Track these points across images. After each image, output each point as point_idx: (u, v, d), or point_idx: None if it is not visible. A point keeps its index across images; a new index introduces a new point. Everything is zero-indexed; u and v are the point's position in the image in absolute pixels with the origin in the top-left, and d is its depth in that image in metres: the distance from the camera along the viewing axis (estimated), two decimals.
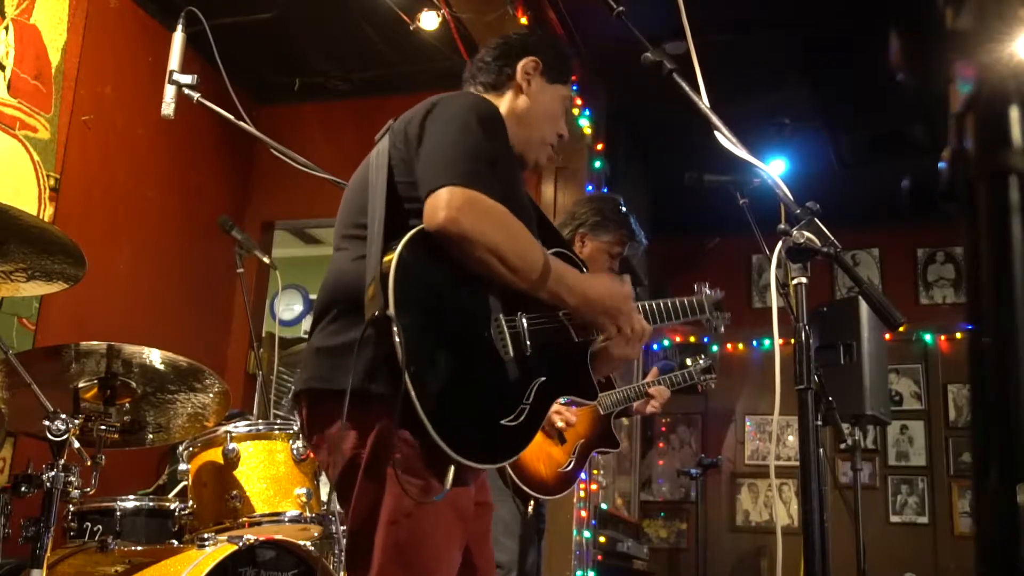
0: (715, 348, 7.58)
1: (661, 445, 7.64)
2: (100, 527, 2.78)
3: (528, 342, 1.84)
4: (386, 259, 1.71)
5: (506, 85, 2.10)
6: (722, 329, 2.51)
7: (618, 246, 3.13)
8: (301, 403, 1.89)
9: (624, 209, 3.21)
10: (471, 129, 1.81)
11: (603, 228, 3.11)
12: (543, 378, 1.85)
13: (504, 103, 2.08)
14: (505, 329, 1.82)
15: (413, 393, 1.62)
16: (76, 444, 2.40)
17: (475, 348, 1.78)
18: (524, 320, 1.85)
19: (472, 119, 1.83)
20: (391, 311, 1.64)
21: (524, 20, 4.61)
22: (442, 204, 1.70)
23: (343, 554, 2.93)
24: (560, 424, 3.09)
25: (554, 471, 3.09)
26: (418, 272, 1.72)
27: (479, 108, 1.87)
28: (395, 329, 1.63)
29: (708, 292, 2.50)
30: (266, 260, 4.11)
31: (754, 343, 7.48)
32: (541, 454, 3.07)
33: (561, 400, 2.87)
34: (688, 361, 3.59)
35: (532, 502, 3.03)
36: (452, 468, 1.68)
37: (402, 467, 1.66)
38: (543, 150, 2.14)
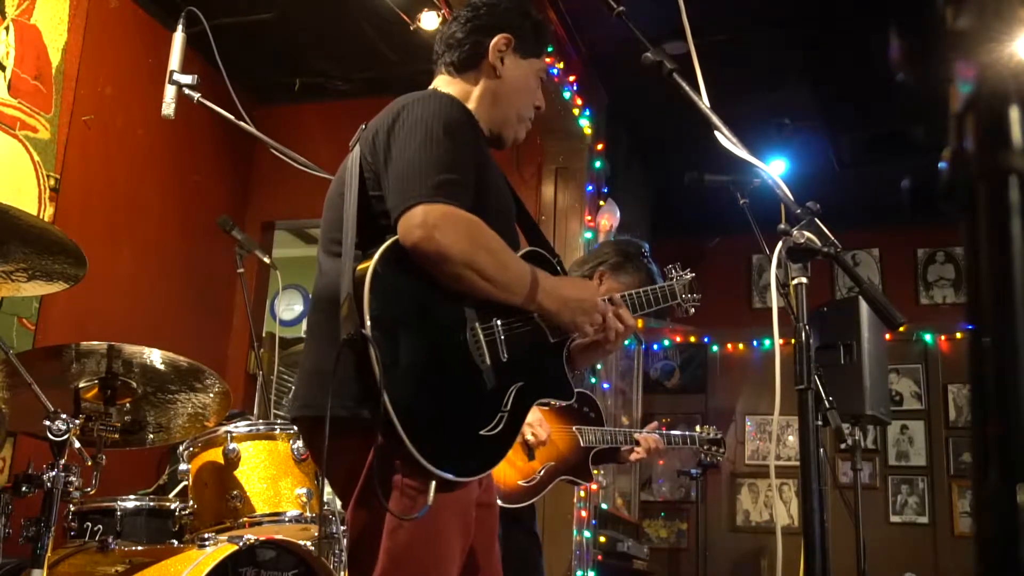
0: (715, 348, 7.58)
1: None
2: (100, 527, 2.78)
3: (504, 348, 1.82)
4: (358, 275, 1.70)
5: (477, 65, 2.03)
6: (692, 311, 2.46)
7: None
8: (300, 426, 1.91)
9: (647, 255, 3.22)
10: (437, 139, 1.77)
11: (623, 270, 3.13)
12: (520, 383, 1.84)
13: (476, 84, 2.03)
14: (481, 337, 1.80)
15: (392, 412, 1.61)
16: (76, 444, 2.40)
17: (452, 360, 1.77)
18: (499, 326, 1.83)
19: (437, 127, 1.79)
20: (366, 330, 1.64)
21: None
22: (416, 222, 1.68)
23: (343, 554, 2.93)
24: (529, 438, 3.06)
25: (515, 481, 3.06)
26: (391, 287, 1.71)
27: (444, 113, 1.83)
28: (371, 348, 1.62)
29: (678, 275, 2.45)
30: (266, 260, 4.10)
31: (754, 343, 7.48)
32: (506, 461, 3.06)
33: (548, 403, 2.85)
34: (698, 428, 3.60)
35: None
36: (433, 484, 1.67)
37: (403, 483, 1.68)
38: (520, 127, 2.09)
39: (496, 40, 2.03)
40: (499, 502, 3.00)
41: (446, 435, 1.72)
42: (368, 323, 1.64)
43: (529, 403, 1.87)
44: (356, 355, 1.66)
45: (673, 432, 3.48)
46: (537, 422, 3.08)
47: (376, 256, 1.71)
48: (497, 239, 1.80)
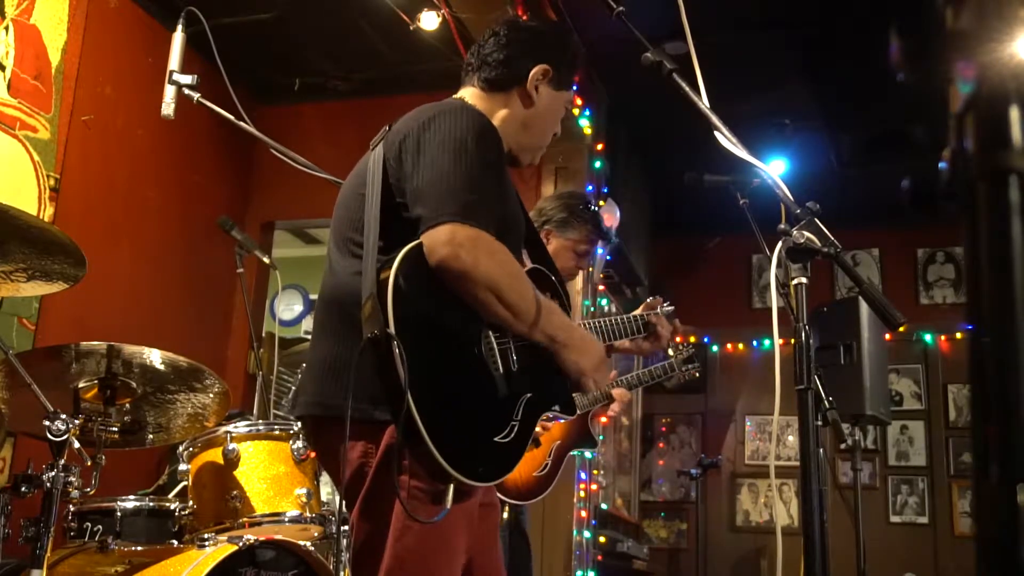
0: (715, 348, 7.58)
1: (661, 445, 7.64)
2: (100, 527, 2.78)
3: (515, 358, 1.84)
4: (383, 276, 1.70)
5: (510, 88, 2.05)
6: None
7: (584, 244, 3.13)
8: (306, 424, 1.91)
9: (592, 206, 3.21)
10: (471, 154, 1.78)
11: (569, 225, 3.11)
12: (529, 394, 1.85)
13: (507, 106, 2.04)
14: (495, 345, 1.81)
15: (416, 414, 1.62)
16: (76, 444, 2.40)
17: (469, 366, 1.77)
18: (511, 336, 1.84)
19: (470, 143, 1.79)
20: (391, 330, 1.64)
21: None
22: (444, 240, 1.69)
23: (343, 554, 2.93)
24: (537, 428, 3.09)
25: (530, 475, 3.08)
26: (414, 289, 1.71)
27: (478, 130, 1.83)
28: (396, 349, 1.62)
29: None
30: (266, 260, 4.10)
31: (754, 343, 7.48)
32: None
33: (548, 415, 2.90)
34: (670, 351, 3.42)
35: (507, 508, 3.03)
36: (452, 487, 1.68)
37: (410, 484, 1.68)
38: (538, 153, 2.14)
39: (536, 70, 2.04)
40: (517, 501, 3.04)
41: (465, 439, 1.73)
42: (392, 323, 1.64)
43: (537, 415, 1.89)
44: (376, 356, 1.66)
45: (653, 368, 3.39)
46: None
47: (398, 259, 1.71)
48: (518, 267, 1.82)
